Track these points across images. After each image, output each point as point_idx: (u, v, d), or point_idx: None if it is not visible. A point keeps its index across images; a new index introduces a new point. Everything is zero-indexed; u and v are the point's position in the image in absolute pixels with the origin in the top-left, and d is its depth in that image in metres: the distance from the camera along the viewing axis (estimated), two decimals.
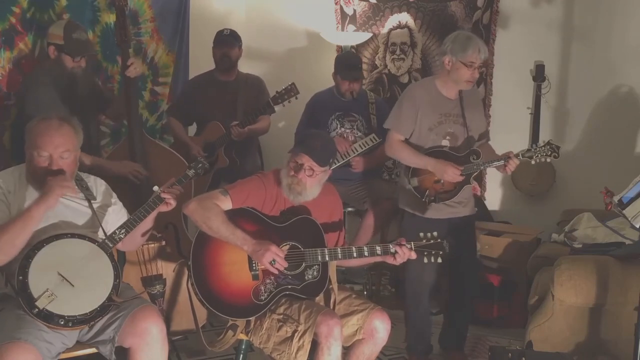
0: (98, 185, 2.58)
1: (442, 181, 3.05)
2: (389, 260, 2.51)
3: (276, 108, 3.88)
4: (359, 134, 3.90)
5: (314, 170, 2.48)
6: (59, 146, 2.33)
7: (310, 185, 2.51)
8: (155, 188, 2.51)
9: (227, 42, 3.91)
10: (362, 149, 3.83)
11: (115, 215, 2.56)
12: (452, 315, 3.42)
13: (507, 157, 2.99)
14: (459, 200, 3.14)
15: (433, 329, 3.39)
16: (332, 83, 4.04)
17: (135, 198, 2.94)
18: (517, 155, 2.99)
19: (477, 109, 3.24)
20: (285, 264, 2.42)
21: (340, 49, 4.94)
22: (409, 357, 3.37)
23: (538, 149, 3.00)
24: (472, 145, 3.15)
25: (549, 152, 2.98)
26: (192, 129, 4.19)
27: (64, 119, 2.40)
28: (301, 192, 2.51)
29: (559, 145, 3.01)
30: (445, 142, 3.12)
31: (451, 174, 2.99)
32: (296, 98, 3.72)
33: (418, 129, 3.13)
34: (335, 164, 3.73)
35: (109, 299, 2.27)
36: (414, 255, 2.48)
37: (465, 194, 3.16)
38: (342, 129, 3.90)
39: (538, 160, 3.00)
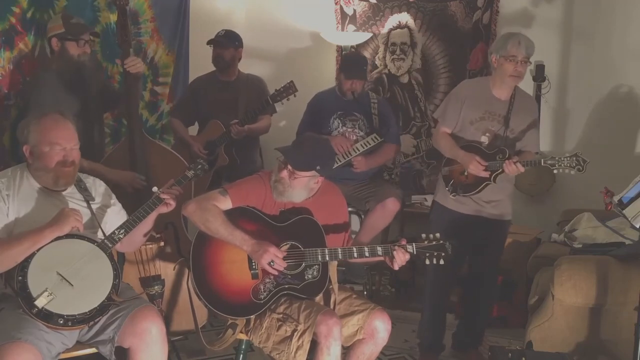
0: (97, 186, 2.58)
1: (466, 173, 3.09)
2: (389, 263, 2.50)
3: (277, 107, 3.88)
4: (361, 133, 3.90)
5: (294, 173, 2.47)
6: (71, 139, 2.40)
7: (294, 187, 2.49)
8: (155, 189, 2.51)
9: (219, 43, 3.93)
10: (363, 148, 3.83)
11: (115, 216, 2.56)
12: (469, 317, 3.42)
13: (518, 159, 2.98)
14: (488, 199, 3.14)
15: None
16: (332, 82, 4.05)
17: (135, 199, 2.94)
18: (537, 163, 2.96)
19: (527, 116, 3.19)
20: (284, 266, 2.42)
21: (340, 49, 4.95)
22: (421, 355, 3.38)
23: (563, 159, 2.93)
24: (511, 148, 3.13)
25: (574, 164, 2.92)
26: (194, 130, 4.20)
27: (63, 114, 2.45)
28: (283, 192, 2.50)
29: (587, 159, 2.91)
30: (484, 139, 3.14)
31: (474, 166, 3.03)
32: (294, 96, 3.73)
33: (461, 121, 3.18)
34: (337, 163, 3.73)
35: (109, 298, 2.27)
36: (407, 257, 2.48)
37: (496, 195, 3.14)
38: (344, 128, 3.90)
39: (561, 171, 2.95)
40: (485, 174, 3.04)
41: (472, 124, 3.16)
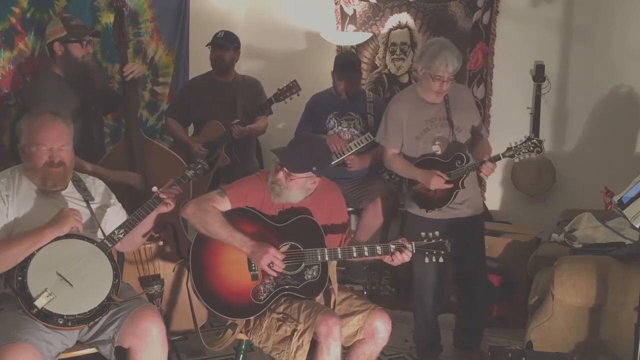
0: (97, 186, 2.58)
1: (434, 189, 3.07)
2: (387, 260, 2.50)
3: (277, 106, 3.89)
4: (356, 132, 3.92)
5: (290, 174, 2.47)
6: (58, 139, 2.38)
7: (290, 188, 2.49)
8: (155, 189, 2.51)
9: (220, 45, 3.93)
10: (356, 147, 3.84)
11: (115, 216, 2.56)
12: (465, 316, 3.42)
13: (482, 160, 2.98)
14: (461, 200, 3.13)
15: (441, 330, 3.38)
16: (332, 83, 4.05)
17: (135, 199, 2.94)
18: (496, 158, 2.98)
19: (466, 107, 3.18)
20: (283, 267, 2.42)
21: (340, 49, 4.95)
22: (418, 358, 3.37)
23: (519, 146, 2.96)
24: (465, 147, 3.14)
25: (532, 148, 2.94)
26: (190, 131, 4.20)
27: (55, 113, 2.43)
28: (280, 194, 2.50)
29: (542, 139, 2.96)
30: (435, 148, 3.12)
31: (436, 182, 3.01)
32: (298, 95, 3.73)
33: (406, 139, 3.16)
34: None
35: (108, 298, 2.27)
36: (407, 259, 2.48)
37: (467, 194, 3.14)
38: (340, 127, 3.92)
39: (522, 158, 2.97)
40: (450, 185, 3.03)
41: (418, 138, 3.13)
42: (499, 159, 2.99)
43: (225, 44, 3.92)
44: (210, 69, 4.03)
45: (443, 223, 3.08)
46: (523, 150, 2.95)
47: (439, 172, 3.01)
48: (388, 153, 3.23)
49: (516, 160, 3.01)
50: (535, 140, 2.93)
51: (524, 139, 2.97)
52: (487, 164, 2.96)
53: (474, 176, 3.18)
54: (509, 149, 2.99)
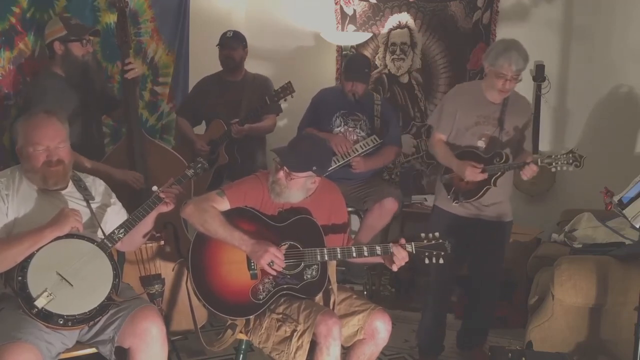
0: (97, 186, 2.58)
1: (467, 180, 3.08)
2: (388, 265, 2.50)
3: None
4: (362, 133, 3.90)
5: (290, 174, 2.46)
6: (54, 138, 2.36)
7: (290, 188, 2.48)
8: (155, 188, 2.51)
9: (229, 44, 3.97)
10: (362, 149, 3.83)
11: (115, 215, 2.56)
12: (474, 317, 3.42)
13: (525, 162, 2.99)
14: (488, 203, 3.14)
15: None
16: (332, 83, 4.07)
17: (135, 198, 2.94)
18: (536, 162, 2.98)
19: (521, 117, 3.19)
20: (283, 266, 2.41)
21: (340, 49, 4.95)
22: (420, 357, 3.37)
23: (559, 157, 2.97)
24: (506, 147, 3.15)
25: (571, 161, 2.96)
26: (200, 129, 4.22)
27: (49, 112, 2.42)
28: (280, 193, 2.50)
29: (584, 155, 2.97)
30: (480, 143, 3.15)
31: (469, 172, 3.03)
32: (292, 96, 3.75)
33: (456, 127, 3.18)
34: (335, 163, 3.74)
35: (109, 298, 2.27)
36: (406, 259, 2.46)
37: (495, 198, 3.15)
38: (345, 127, 3.91)
39: (559, 168, 2.99)
40: (484, 176, 3.03)
41: (467, 129, 3.16)
42: (537, 164, 2.99)
43: (234, 44, 3.96)
44: (212, 68, 4.05)
45: (465, 220, 3.12)
46: (562, 161, 2.97)
47: (473, 162, 3.03)
48: (435, 137, 3.25)
49: (553, 169, 3.03)
50: (577, 154, 2.96)
51: (565, 152, 2.98)
52: (532, 165, 2.97)
53: (508, 182, 3.20)
54: (548, 156, 3.02)
